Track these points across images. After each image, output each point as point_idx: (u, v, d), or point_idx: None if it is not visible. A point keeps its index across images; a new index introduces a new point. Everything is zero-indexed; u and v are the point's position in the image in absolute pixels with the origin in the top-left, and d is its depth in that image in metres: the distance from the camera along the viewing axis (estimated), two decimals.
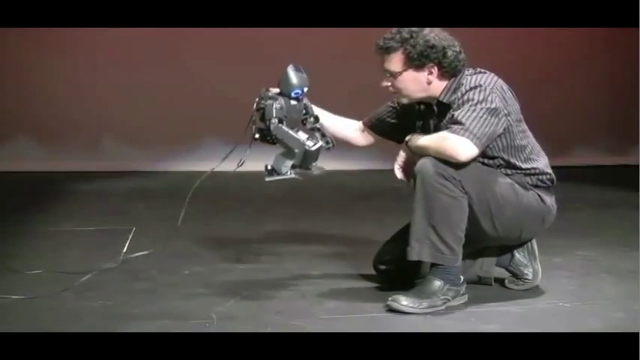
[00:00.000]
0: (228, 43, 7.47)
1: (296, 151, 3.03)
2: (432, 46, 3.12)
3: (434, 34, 3.14)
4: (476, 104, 3.04)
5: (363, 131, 3.49)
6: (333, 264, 3.77)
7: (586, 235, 4.48)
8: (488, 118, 3.03)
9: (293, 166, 3.05)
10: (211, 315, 2.93)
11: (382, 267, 3.41)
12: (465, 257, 3.20)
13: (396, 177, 3.18)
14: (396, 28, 3.17)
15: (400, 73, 3.15)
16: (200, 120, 7.60)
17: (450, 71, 3.15)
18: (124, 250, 3.92)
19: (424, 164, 3.00)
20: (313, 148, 3.04)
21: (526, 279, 3.32)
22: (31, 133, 7.50)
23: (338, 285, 3.43)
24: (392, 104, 3.42)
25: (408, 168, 3.13)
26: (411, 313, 2.96)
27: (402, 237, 3.26)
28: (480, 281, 3.35)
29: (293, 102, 3.11)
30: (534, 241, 3.35)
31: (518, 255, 3.33)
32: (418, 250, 3.00)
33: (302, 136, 3.07)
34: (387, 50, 3.15)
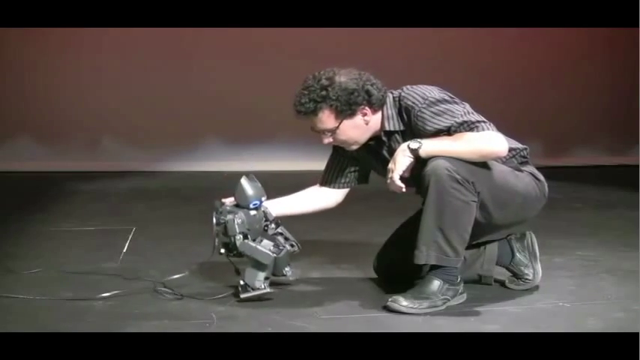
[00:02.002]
0: (228, 43, 7.47)
1: (265, 263, 3.05)
2: (353, 91, 3.06)
3: (344, 78, 3.07)
4: (446, 103, 3.02)
5: (327, 193, 3.41)
6: (333, 264, 3.77)
7: (586, 235, 4.48)
8: (464, 105, 3.05)
9: (266, 278, 3.08)
10: (211, 315, 2.93)
11: (382, 269, 3.41)
12: (466, 255, 3.22)
13: (391, 187, 3.01)
14: (304, 88, 3.08)
15: (337, 127, 3.10)
16: (200, 120, 7.60)
17: (380, 104, 3.12)
18: (124, 250, 3.93)
19: (437, 167, 2.94)
20: (281, 255, 3.07)
21: (526, 279, 3.32)
22: (31, 133, 7.50)
23: (338, 285, 3.43)
24: (337, 154, 3.36)
25: (409, 174, 3.02)
26: (412, 314, 2.96)
27: (402, 237, 3.27)
28: (480, 280, 3.35)
29: (252, 212, 3.09)
30: (535, 241, 3.36)
31: (519, 255, 3.33)
32: (426, 254, 2.99)
33: (267, 245, 3.07)
34: (313, 113, 3.08)
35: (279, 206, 3.29)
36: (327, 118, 3.09)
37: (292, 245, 3.14)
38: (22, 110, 7.46)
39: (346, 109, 3.07)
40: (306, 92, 3.08)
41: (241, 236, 3.05)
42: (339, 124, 3.10)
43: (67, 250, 4.04)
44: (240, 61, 7.56)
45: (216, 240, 3.09)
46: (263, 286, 3.07)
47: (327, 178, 3.41)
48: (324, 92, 3.05)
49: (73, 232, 4.51)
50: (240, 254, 3.07)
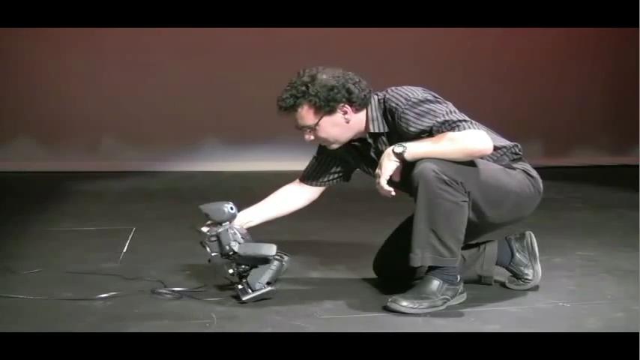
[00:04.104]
0: (228, 43, 7.49)
1: (271, 254, 3.05)
2: (332, 88, 3.06)
3: (326, 76, 3.08)
4: (429, 103, 3.02)
5: (304, 190, 3.41)
6: (333, 264, 3.76)
7: (586, 235, 4.48)
8: (447, 105, 3.04)
9: (268, 283, 3.08)
10: (211, 315, 2.93)
11: (382, 269, 3.41)
12: (465, 256, 3.21)
13: (380, 192, 3.01)
14: (288, 85, 3.10)
15: (317, 124, 3.10)
16: (200, 120, 7.61)
17: (361, 103, 3.11)
18: (124, 249, 3.93)
19: (425, 170, 2.93)
20: (283, 264, 3.09)
21: (526, 279, 3.32)
22: (31, 133, 7.51)
23: (338, 285, 3.43)
24: (323, 152, 3.35)
25: (398, 178, 3.02)
26: (412, 314, 2.96)
27: (402, 238, 3.26)
28: (480, 280, 3.35)
29: (237, 226, 3.12)
30: (535, 242, 3.36)
31: (519, 255, 3.33)
32: (421, 257, 2.99)
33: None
34: (292, 108, 3.09)
35: (257, 215, 3.31)
36: (306, 114, 3.10)
37: (281, 257, 3.13)
38: (23, 110, 7.47)
39: (325, 105, 3.07)
40: (288, 88, 3.11)
41: (236, 242, 3.06)
42: (319, 120, 3.10)
43: (67, 250, 4.04)
44: (240, 61, 7.57)
45: (216, 269, 3.13)
46: (264, 287, 3.07)
47: (308, 175, 3.41)
48: (303, 88, 3.07)
49: (73, 232, 4.52)
50: (243, 272, 3.07)
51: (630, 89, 7.99)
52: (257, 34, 7.15)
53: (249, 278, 3.07)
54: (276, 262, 3.08)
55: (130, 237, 4.24)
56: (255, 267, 3.08)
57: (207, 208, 3.14)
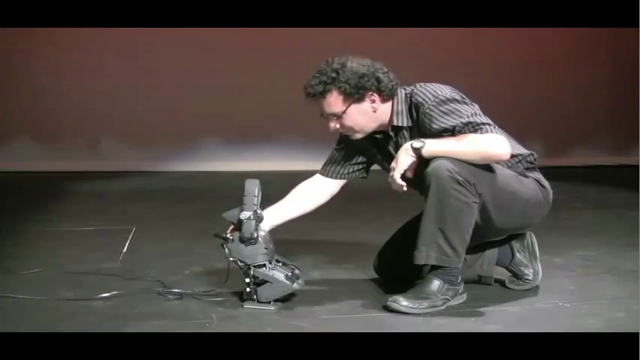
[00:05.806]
0: (228, 43, 7.47)
1: (281, 295, 3.04)
2: (363, 75, 3.06)
3: (355, 64, 3.08)
4: (455, 103, 3.01)
5: (323, 185, 3.36)
6: (333, 264, 3.77)
7: (586, 235, 4.48)
8: (473, 107, 3.04)
9: (276, 300, 3.06)
10: (211, 315, 2.93)
11: (383, 269, 3.41)
12: (466, 255, 3.21)
13: (392, 185, 3.00)
14: (317, 72, 3.09)
15: (344, 111, 3.08)
16: (200, 120, 7.60)
17: (389, 93, 3.11)
18: (124, 249, 3.93)
19: (438, 168, 2.93)
20: (294, 286, 3.06)
21: (526, 279, 3.32)
22: (31, 133, 7.50)
23: (338, 285, 3.43)
24: (342, 144, 3.33)
25: (412, 174, 3.01)
26: (412, 314, 2.96)
27: (403, 237, 3.26)
28: (480, 280, 3.35)
29: (262, 232, 3.05)
30: (535, 241, 3.36)
31: (519, 255, 3.33)
32: (426, 255, 2.99)
33: (283, 272, 3.05)
34: (321, 94, 3.07)
35: (281, 215, 3.26)
36: (334, 101, 3.08)
37: (293, 268, 3.11)
38: (22, 110, 7.46)
39: (354, 92, 3.06)
40: (317, 75, 3.09)
41: (265, 261, 3.02)
42: (347, 107, 3.08)
43: (67, 250, 4.04)
44: (240, 61, 7.56)
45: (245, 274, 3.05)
46: (270, 303, 3.04)
47: (327, 168, 3.36)
48: (334, 74, 3.06)
49: (73, 232, 4.51)
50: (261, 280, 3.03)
51: (630, 89, 7.97)
52: (257, 35, 7.13)
53: (259, 290, 3.03)
54: (291, 287, 3.04)
55: (130, 237, 4.24)
56: (270, 283, 3.04)
57: (232, 216, 3.08)
